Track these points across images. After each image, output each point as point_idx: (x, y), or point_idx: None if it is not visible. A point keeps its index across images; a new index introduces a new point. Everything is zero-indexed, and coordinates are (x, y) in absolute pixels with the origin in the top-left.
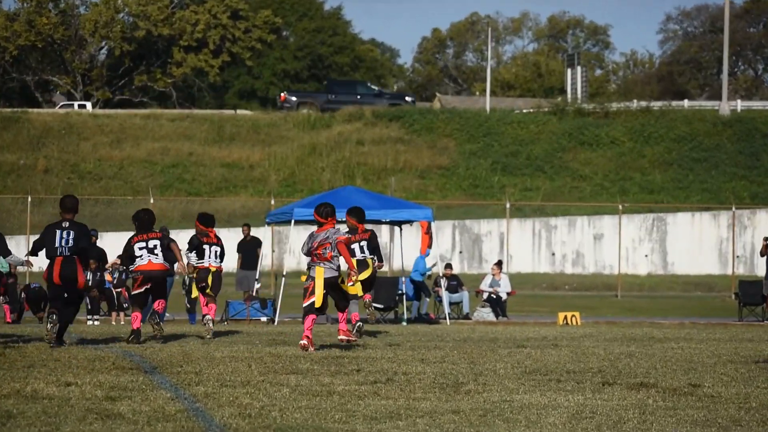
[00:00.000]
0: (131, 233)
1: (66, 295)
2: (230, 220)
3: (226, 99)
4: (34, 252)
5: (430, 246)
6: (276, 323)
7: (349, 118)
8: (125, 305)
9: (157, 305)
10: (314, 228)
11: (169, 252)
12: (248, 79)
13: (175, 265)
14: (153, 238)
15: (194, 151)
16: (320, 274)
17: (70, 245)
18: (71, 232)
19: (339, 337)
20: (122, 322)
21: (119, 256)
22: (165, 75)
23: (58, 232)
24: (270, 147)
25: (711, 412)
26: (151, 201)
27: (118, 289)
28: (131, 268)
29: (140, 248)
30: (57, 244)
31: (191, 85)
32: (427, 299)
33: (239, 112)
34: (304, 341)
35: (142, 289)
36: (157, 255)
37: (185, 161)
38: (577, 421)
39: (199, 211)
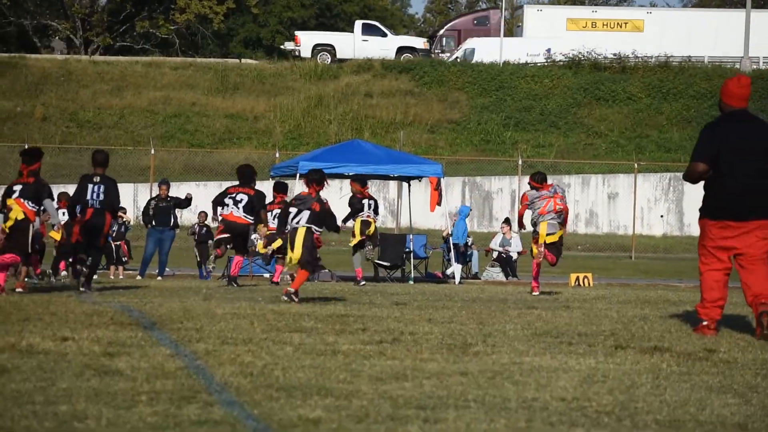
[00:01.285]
0: (130, 184)
1: (88, 242)
2: (233, 173)
3: (230, 47)
4: (74, 211)
5: (439, 203)
6: (280, 280)
7: (357, 69)
8: (124, 259)
9: (236, 262)
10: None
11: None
12: (254, 27)
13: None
14: (243, 193)
15: (197, 101)
16: (543, 228)
17: (101, 198)
18: (102, 186)
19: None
20: (120, 276)
21: (122, 209)
22: (168, 21)
23: (90, 186)
24: (275, 98)
25: (726, 377)
26: (152, 152)
27: (117, 242)
28: (219, 214)
29: (230, 198)
30: (88, 197)
31: (195, 33)
32: (465, 264)
33: (244, 61)
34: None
35: (222, 236)
36: (238, 209)
37: (187, 111)
38: (588, 384)
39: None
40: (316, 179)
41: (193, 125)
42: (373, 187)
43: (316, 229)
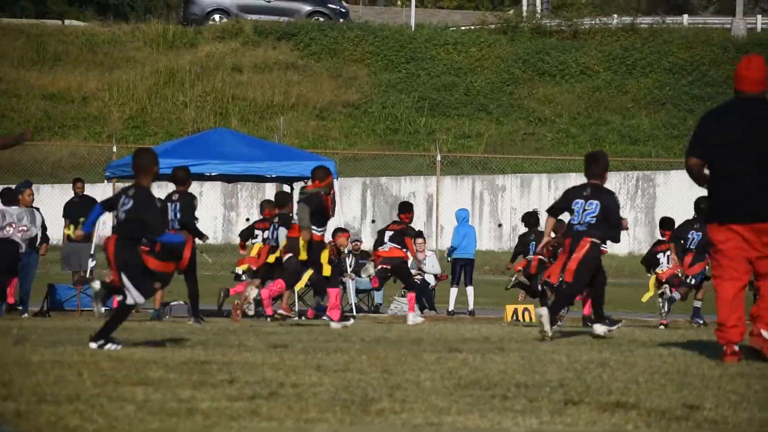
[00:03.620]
0: None
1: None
2: (55, 173)
3: (48, 4)
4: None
5: (332, 212)
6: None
7: (221, 33)
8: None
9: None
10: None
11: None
12: None
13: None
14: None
15: (4, 76)
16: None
17: (178, 218)
18: (178, 204)
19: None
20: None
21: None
22: None
23: (169, 205)
24: (111, 72)
25: None
26: None
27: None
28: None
29: None
30: (170, 217)
31: None
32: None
33: (68, 22)
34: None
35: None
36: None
37: None
38: None
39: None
40: None
41: None
42: (244, 191)
43: None
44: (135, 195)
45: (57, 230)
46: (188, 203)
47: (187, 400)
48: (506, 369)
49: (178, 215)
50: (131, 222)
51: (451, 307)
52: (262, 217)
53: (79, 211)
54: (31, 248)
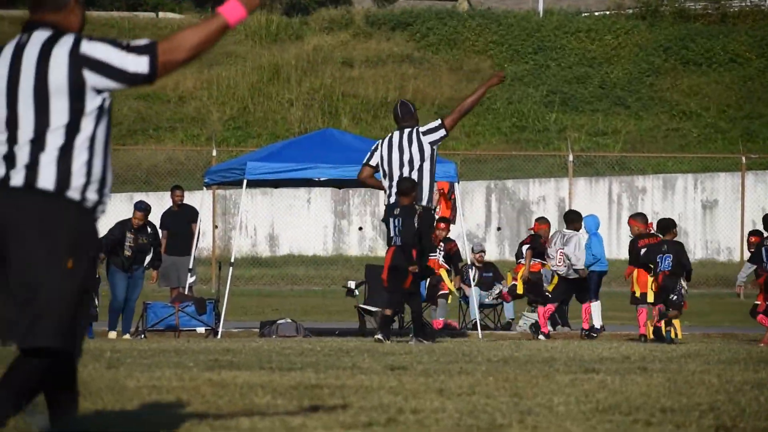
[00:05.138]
0: None
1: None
2: (150, 180)
3: None
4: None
5: (452, 219)
6: (220, 335)
7: (330, 25)
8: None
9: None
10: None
11: None
12: None
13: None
14: None
15: None
16: None
17: (401, 233)
18: (400, 219)
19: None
20: None
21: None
22: None
23: (391, 220)
24: (211, 69)
25: None
26: None
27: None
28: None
29: None
30: (391, 234)
31: None
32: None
33: (162, 15)
34: None
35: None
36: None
37: None
38: None
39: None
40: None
41: None
42: (356, 198)
43: None
44: None
45: None
46: (411, 218)
47: (298, 428)
48: (649, 391)
49: (402, 231)
50: None
51: (598, 323)
52: None
53: (178, 222)
54: (139, 264)
